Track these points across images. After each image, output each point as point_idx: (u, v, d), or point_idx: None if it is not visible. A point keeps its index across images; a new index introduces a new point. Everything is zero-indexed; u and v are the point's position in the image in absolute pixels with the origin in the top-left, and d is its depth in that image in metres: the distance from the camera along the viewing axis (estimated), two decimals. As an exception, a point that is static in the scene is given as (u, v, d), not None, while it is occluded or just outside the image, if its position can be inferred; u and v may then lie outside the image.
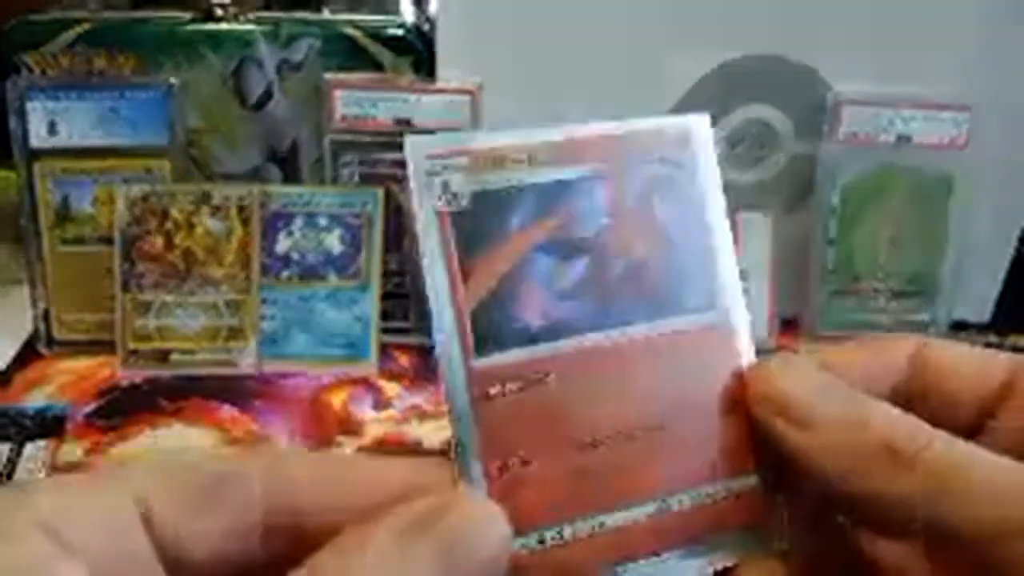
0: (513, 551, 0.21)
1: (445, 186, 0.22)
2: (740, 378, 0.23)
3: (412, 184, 0.22)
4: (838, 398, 0.22)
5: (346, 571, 0.18)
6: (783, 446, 0.22)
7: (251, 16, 0.64)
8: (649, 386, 0.23)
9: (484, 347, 0.22)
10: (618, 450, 0.22)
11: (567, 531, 0.22)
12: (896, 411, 0.22)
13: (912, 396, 0.23)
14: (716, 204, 0.24)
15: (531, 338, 0.22)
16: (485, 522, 0.20)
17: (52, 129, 0.60)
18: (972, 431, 0.23)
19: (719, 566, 0.22)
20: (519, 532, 0.21)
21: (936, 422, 0.21)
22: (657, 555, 0.22)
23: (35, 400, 0.59)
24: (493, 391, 0.22)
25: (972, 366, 0.24)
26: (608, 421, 0.22)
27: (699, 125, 0.24)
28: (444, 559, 0.19)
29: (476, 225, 0.22)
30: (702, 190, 0.24)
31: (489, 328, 0.22)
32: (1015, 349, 0.68)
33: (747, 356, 0.23)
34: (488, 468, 0.21)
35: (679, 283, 0.23)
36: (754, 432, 0.23)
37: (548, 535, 0.22)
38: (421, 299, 0.62)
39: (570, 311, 0.22)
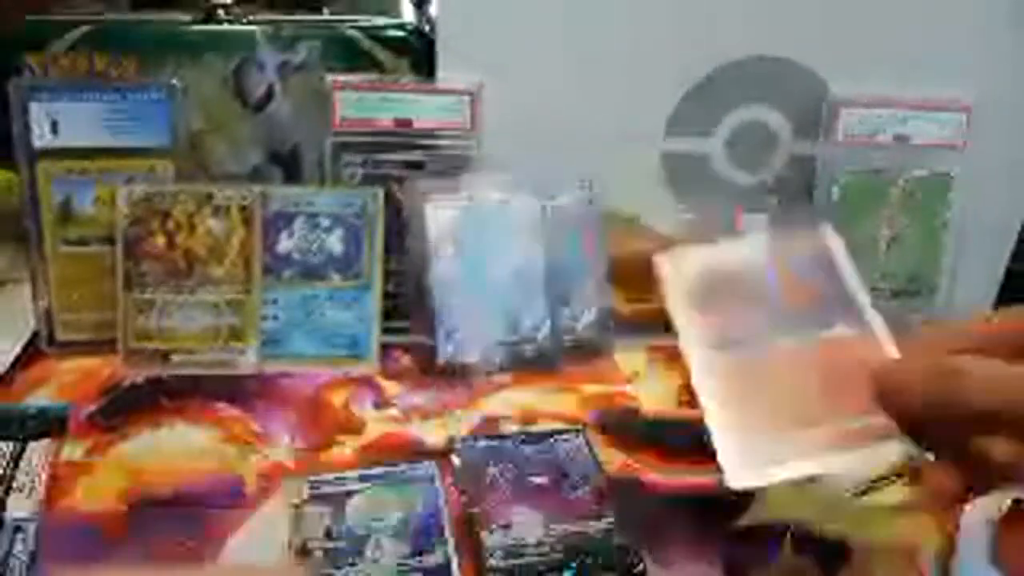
0: None
1: (685, 275, 0.40)
2: None
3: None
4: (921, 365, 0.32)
5: None
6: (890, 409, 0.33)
7: (252, 18, 0.64)
8: (824, 370, 0.36)
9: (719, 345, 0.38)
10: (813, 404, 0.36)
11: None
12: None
13: None
14: (850, 273, 0.39)
15: (747, 341, 0.38)
16: None
17: (54, 130, 0.61)
18: None
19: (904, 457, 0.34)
20: None
21: None
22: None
23: (37, 399, 0.59)
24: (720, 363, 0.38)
25: None
26: (802, 387, 0.36)
27: (830, 234, 0.40)
28: None
29: (703, 291, 0.39)
30: (839, 269, 0.39)
31: (719, 339, 0.38)
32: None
33: (887, 355, 0.36)
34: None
35: (831, 315, 0.38)
36: None
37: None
38: (421, 299, 0.63)
39: (762, 328, 0.38)
